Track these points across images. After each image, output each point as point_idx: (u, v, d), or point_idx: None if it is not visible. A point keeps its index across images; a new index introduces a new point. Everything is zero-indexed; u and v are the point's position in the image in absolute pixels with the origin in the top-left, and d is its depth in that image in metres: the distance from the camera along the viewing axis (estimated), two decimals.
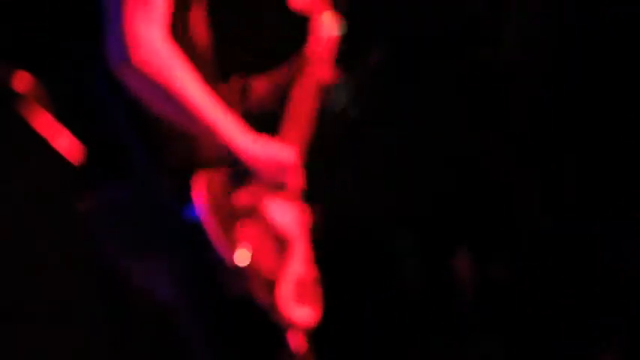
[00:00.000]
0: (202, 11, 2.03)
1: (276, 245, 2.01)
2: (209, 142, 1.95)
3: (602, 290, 3.97)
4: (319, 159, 2.26)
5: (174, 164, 1.90)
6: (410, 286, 4.13)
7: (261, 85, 2.31)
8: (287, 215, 2.10)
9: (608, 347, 3.90)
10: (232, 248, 1.87)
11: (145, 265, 1.96)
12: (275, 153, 2.02)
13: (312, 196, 2.22)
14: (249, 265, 1.86)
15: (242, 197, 1.95)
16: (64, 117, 2.05)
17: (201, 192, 1.87)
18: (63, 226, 3.44)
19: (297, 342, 1.99)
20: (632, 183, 4.03)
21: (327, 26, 2.41)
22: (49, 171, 2.61)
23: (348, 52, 2.44)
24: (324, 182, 3.04)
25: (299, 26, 2.45)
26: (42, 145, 2.20)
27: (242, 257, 1.85)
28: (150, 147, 1.88)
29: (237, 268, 1.84)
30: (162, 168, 1.86)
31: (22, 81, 2.04)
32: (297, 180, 2.09)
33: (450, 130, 4.11)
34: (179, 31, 1.92)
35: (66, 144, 2.14)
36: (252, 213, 1.96)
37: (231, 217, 1.91)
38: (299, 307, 1.97)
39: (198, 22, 2.00)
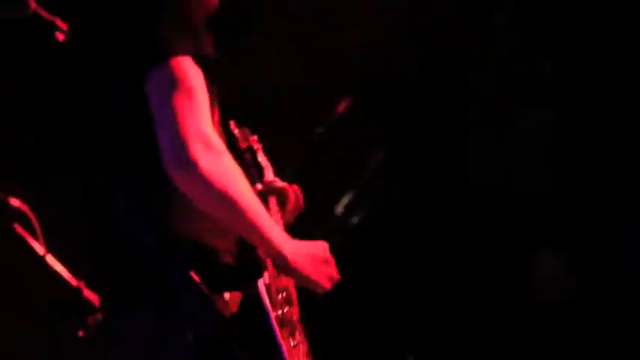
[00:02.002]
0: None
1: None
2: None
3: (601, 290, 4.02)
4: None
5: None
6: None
7: None
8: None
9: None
10: (290, 353, 1.89)
11: None
12: (315, 249, 1.97)
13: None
14: None
15: (281, 303, 1.96)
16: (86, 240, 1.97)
17: (267, 299, 1.85)
18: None
19: None
20: (632, 183, 4.06)
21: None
22: None
23: None
24: None
25: None
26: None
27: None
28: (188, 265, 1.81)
29: None
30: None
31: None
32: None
33: None
34: None
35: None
36: (291, 319, 1.98)
37: (281, 322, 1.91)
38: None
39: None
